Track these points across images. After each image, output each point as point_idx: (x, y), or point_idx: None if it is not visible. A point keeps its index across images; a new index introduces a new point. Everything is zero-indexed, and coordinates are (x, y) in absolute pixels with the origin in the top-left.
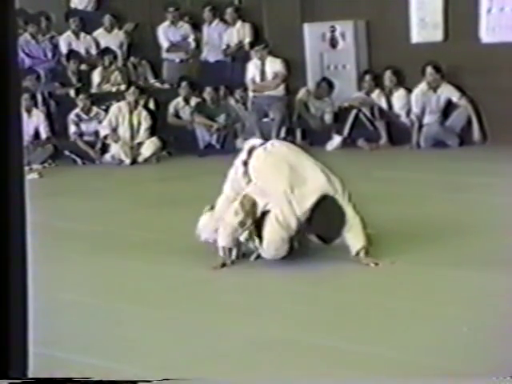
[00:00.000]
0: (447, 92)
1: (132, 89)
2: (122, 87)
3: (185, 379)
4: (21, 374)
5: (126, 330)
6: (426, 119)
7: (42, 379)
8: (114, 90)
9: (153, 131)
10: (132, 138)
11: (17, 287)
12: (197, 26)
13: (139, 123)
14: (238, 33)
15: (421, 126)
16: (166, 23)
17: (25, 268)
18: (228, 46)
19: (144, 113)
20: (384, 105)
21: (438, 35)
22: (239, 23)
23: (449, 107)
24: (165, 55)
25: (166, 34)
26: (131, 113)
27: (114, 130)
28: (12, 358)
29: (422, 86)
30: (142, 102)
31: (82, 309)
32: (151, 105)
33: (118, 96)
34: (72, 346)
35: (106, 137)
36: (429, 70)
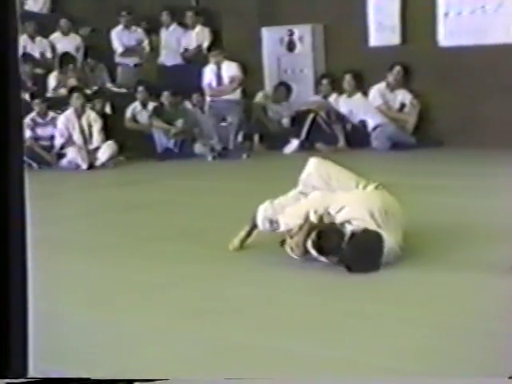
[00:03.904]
0: (402, 93)
1: (76, 94)
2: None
3: (185, 379)
4: (21, 374)
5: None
6: (382, 119)
7: (42, 379)
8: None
9: (109, 135)
10: (86, 142)
11: (17, 288)
12: (155, 30)
13: (90, 126)
14: (197, 37)
15: (377, 127)
16: (120, 27)
17: (25, 268)
18: (186, 50)
19: (92, 114)
20: (342, 108)
21: (395, 39)
22: (198, 27)
23: (404, 108)
24: (119, 59)
25: (119, 38)
26: (79, 118)
27: (69, 137)
28: (12, 358)
29: (381, 85)
30: (99, 106)
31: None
32: (108, 109)
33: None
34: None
35: (62, 147)
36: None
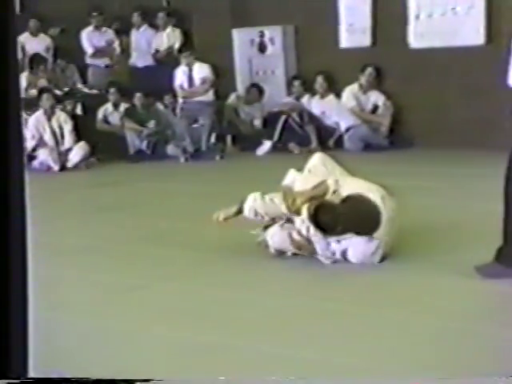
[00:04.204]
0: (375, 95)
1: (46, 95)
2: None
3: (185, 379)
4: (21, 374)
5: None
6: (355, 121)
7: (42, 379)
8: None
9: (81, 136)
10: (57, 143)
11: (17, 287)
12: (125, 31)
13: (60, 127)
14: (168, 38)
15: (349, 128)
16: (90, 28)
17: (25, 268)
18: (157, 51)
19: (63, 115)
20: (314, 110)
21: (366, 40)
22: (169, 28)
23: (376, 110)
24: (90, 60)
25: (90, 39)
26: (50, 119)
27: (40, 139)
28: (12, 358)
29: (353, 87)
30: (69, 107)
31: None
32: (79, 110)
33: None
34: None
35: (34, 149)
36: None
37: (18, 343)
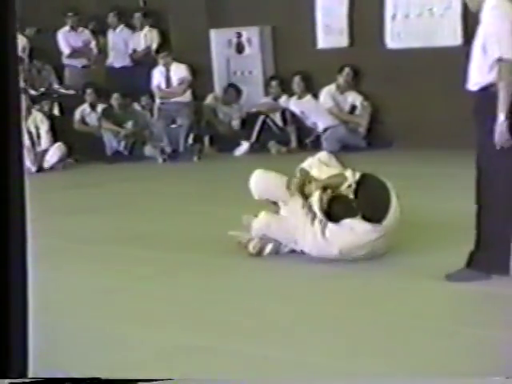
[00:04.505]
0: (352, 95)
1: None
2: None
3: (185, 379)
4: (21, 374)
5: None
6: (333, 121)
7: (42, 379)
8: None
9: (57, 137)
10: (34, 144)
11: (17, 287)
12: (102, 31)
13: (37, 128)
14: (146, 38)
15: (327, 129)
16: (66, 28)
17: (25, 268)
18: (134, 52)
19: (39, 116)
20: (292, 110)
21: (343, 41)
22: (146, 28)
23: (354, 110)
24: (66, 61)
25: (66, 39)
26: (26, 119)
27: None
28: (12, 358)
29: (331, 87)
30: (46, 108)
31: None
32: (56, 110)
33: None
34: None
35: None
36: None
37: (18, 343)
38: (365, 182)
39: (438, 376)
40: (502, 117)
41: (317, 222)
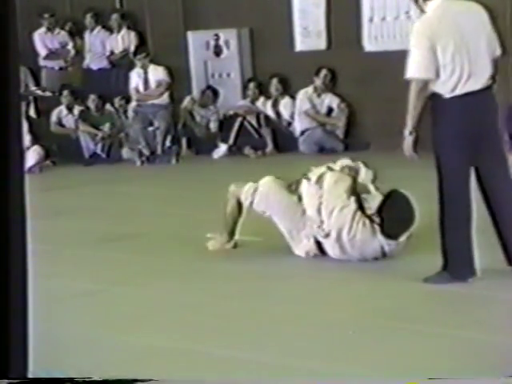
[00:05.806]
0: (329, 97)
1: None
2: None
3: (185, 379)
4: (21, 374)
5: None
6: (310, 124)
7: (42, 379)
8: None
9: (34, 139)
10: None
11: (17, 287)
12: (79, 33)
13: None
14: (123, 40)
15: (304, 131)
16: (43, 29)
17: (25, 267)
18: (112, 54)
19: None
20: (269, 112)
21: (321, 43)
22: (124, 30)
23: (331, 112)
24: (43, 62)
25: (42, 40)
26: None
27: None
28: (12, 358)
29: (308, 90)
30: (22, 109)
31: None
32: (32, 112)
33: None
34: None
35: None
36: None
37: (18, 343)
38: (392, 198)
39: (416, 378)
40: (406, 131)
41: (368, 223)
